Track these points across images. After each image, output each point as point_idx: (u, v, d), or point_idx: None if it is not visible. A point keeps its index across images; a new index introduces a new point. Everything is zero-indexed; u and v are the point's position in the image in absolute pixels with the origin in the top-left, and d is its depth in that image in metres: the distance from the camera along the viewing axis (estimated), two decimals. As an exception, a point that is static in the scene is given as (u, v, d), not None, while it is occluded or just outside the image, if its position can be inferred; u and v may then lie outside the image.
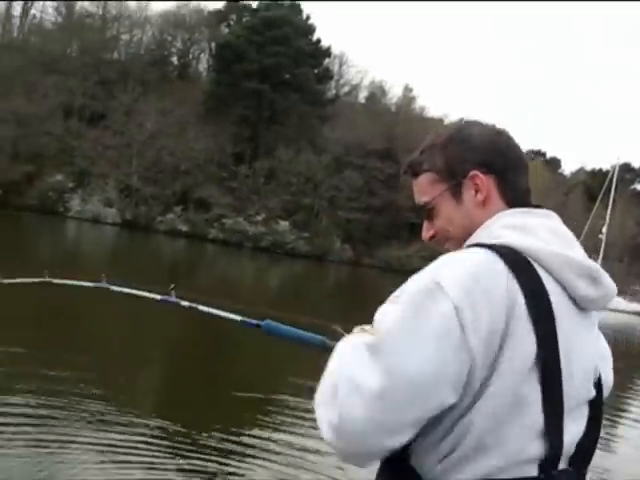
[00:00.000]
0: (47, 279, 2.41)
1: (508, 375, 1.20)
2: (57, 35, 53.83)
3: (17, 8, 59.03)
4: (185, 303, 1.92)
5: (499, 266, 1.24)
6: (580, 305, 1.32)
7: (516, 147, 1.49)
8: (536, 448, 1.23)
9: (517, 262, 1.26)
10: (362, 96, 66.91)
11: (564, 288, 1.29)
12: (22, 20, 59.69)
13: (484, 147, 1.45)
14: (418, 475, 1.26)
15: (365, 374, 1.19)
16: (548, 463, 1.25)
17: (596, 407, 1.38)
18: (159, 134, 49.30)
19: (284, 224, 49.94)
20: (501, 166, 1.44)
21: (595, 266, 1.33)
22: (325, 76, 59.61)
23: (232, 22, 59.13)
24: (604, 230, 58.13)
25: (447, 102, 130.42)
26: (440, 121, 69.20)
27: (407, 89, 68.13)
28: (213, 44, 58.27)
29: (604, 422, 1.42)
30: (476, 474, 1.22)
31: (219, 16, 58.89)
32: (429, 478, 1.25)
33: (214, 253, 43.08)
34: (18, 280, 2.44)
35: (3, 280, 2.45)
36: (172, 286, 1.94)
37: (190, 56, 61.33)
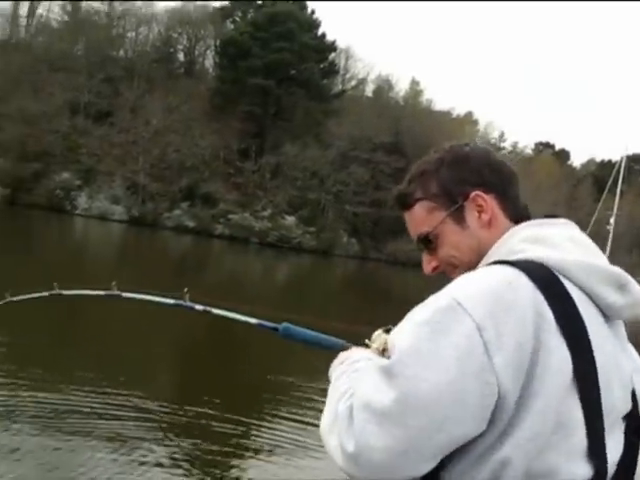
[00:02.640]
0: (56, 291, 2.29)
1: (546, 394, 1.12)
2: (63, 33, 53.97)
3: (24, 8, 59.36)
4: (199, 307, 1.84)
5: (522, 280, 1.17)
6: (607, 314, 1.27)
7: (505, 161, 1.45)
8: (584, 470, 1.15)
9: (541, 275, 1.19)
10: (369, 90, 66.81)
11: (590, 297, 1.24)
12: (29, 20, 59.89)
13: (480, 166, 1.40)
14: None
15: (381, 401, 1.10)
16: None
17: (634, 421, 1.29)
18: (165, 131, 49.40)
19: (290, 219, 49.95)
20: (499, 183, 1.39)
21: (622, 273, 1.28)
22: (331, 71, 59.44)
23: (237, 18, 59.09)
24: (612, 221, 57.84)
25: (453, 95, 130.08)
26: (447, 114, 69.21)
27: (414, 82, 68.00)
28: (218, 41, 58.23)
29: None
30: None
31: (224, 12, 58.75)
32: None
33: (221, 249, 43.16)
34: (27, 296, 2.30)
35: (12, 298, 2.31)
36: (185, 290, 1.87)
37: (196, 53, 61.22)
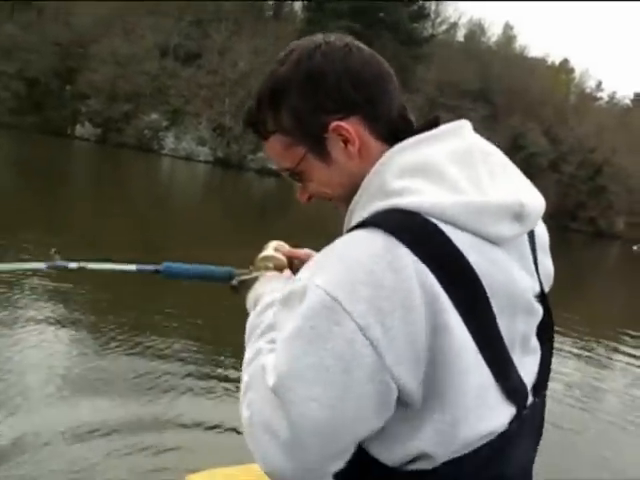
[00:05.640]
0: None
1: (456, 375, 1.03)
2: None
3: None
4: (73, 265, 1.75)
5: (401, 254, 1.00)
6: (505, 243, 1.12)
7: (372, 57, 1.18)
8: (505, 417, 1.11)
9: (420, 238, 1.02)
10: (460, 35, 65.25)
11: (484, 237, 1.08)
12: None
13: (338, 83, 1.13)
14: (383, 464, 1.10)
15: (274, 422, 1.03)
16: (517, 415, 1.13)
17: (545, 327, 1.25)
18: (252, 73, 49.66)
19: (373, 163, 49.90)
20: (365, 99, 1.14)
21: (516, 199, 1.11)
22: (420, 14, 58.18)
23: (328, -40, 58.33)
24: None
25: (549, 42, 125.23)
26: (542, 61, 66.84)
27: (507, 27, 66.01)
28: (307, -17, 57.73)
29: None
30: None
31: (315, -46, 58.14)
32: (395, 465, 1.10)
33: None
34: None
35: None
36: (53, 250, 1.77)
37: (285, -5, 61.05)
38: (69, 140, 44.70)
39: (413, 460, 1.08)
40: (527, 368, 1.17)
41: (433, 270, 1.00)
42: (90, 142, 46.37)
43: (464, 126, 1.17)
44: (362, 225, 1.06)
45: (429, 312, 0.99)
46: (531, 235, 1.22)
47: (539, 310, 1.21)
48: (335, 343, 0.98)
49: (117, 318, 7.13)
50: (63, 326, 6.64)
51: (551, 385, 1.28)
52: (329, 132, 1.15)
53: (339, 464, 1.06)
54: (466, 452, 1.07)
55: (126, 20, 48.79)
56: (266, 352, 1.14)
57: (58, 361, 5.83)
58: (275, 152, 1.23)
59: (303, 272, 1.08)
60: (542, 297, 1.22)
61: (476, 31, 64.48)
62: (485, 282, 1.05)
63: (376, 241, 1.01)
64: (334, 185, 1.20)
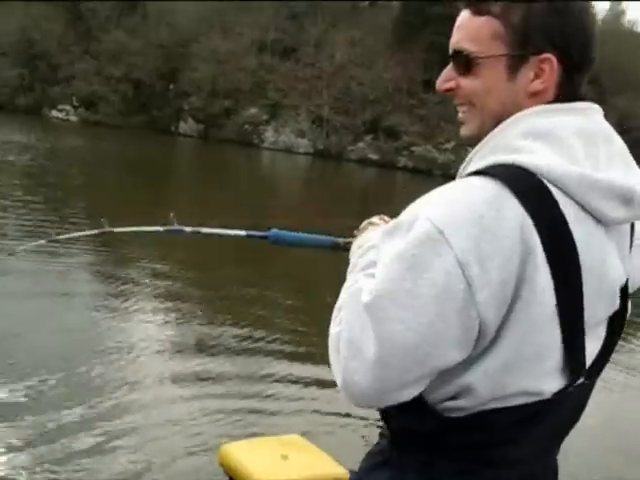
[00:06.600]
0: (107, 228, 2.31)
1: (523, 326, 1.08)
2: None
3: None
4: (188, 229, 1.85)
5: (512, 206, 1.04)
6: (608, 224, 1.15)
7: (596, 39, 1.19)
8: (555, 385, 1.15)
9: (532, 195, 1.06)
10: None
11: (589, 212, 1.11)
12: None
13: (572, 30, 1.15)
14: (429, 406, 1.17)
15: (362, 340, 1.07)
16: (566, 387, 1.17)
17: (618, 318, 1.26)
18: (348, 64, 49.80)
19: (474, 151, 48.98)
20: (577, 60, 1.16)
21: (628, 184, 1.12)
22: (521, -4, 56.82)
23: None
24: None
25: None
26: (654, 36, 63.68)
27: (614, 3, 63.43)
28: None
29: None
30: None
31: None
32: (441, 407, 1.16)
33: (403, 181, 43.16)
34: (76, 234, 2.31)
35: (59, 237, 2.35)
36: (172, 214, 1.87)
37: (381, -15, 60.79)
38: (174, 137, 46.16)
39: (454, 397, 1.13)
40: (588, 350, 1.18)
41: (537, 227, 1.05)
42: (193, 138, 47.76)
43: (596, 109, 1.19)
44: (479, 173, 1.09)
45: (522, 263, 1.04)
46: (631, 234, 1.25)
47: (618, 302, 1.22)
48: (433, 274, 1.02)
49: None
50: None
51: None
52: (536, 57, 1.15)
53: (413, 392, 1.10)
54: (501, 406, 1.12)
55: (225, 18, 49.94)
56: (364, 280, 1.16)
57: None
58: (474, 31, 1.18)
59: (411, 207, 1.11)
60: (624, 292, 1.24)
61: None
62: (581, 257, 1.09)
63: (490, 188, 1.05)
64: (490, 99, 1.18)
